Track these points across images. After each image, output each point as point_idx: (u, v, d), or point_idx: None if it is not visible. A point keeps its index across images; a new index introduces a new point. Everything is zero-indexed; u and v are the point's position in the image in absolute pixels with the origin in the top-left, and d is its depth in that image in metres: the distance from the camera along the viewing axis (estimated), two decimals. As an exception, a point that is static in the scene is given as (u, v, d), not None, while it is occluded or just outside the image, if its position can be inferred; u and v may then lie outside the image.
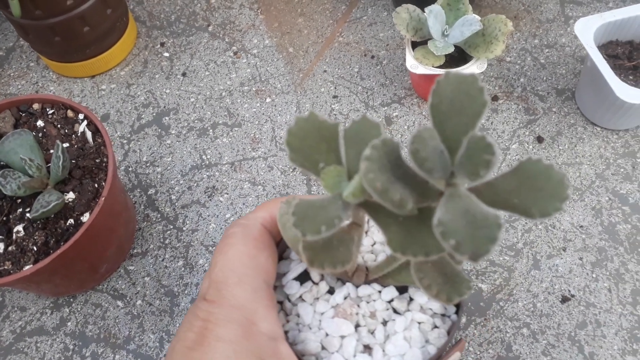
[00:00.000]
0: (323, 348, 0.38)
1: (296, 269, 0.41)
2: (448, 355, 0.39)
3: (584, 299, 0.61)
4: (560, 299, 0.61)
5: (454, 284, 0.32)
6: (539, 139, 0.71)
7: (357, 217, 0.34)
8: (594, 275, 0.62)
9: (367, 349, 0.38)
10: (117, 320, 0.63)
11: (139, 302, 0.64)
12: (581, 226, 0.65)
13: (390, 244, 0.29)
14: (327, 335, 0.38)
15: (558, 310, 0.61)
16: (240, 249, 0.37)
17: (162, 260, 0.66)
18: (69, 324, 0.63)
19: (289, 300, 0.41)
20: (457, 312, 0.40)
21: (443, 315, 0.40)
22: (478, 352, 0.59)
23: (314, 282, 0.41)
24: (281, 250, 0.42)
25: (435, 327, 0.39)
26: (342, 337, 0.38)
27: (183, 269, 0.66)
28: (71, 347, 0.62)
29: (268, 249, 0.38)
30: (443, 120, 0.28)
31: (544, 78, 0.76)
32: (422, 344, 0.38)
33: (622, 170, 0.69)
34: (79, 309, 0.64)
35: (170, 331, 0.62)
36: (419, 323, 0.39)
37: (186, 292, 0.64)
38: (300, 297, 0.40)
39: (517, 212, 0.29)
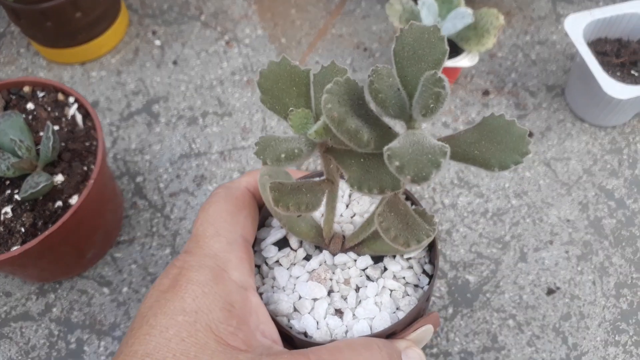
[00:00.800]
0: (295, 310, 0.39)
1: (275, 235, 0.42)
2: (419, 324, 0.39)
3: (569, 292, 0.62)
4: (545, 291, 0.62)
5: (412, 230, 0.33)
6: (529, 134, 0.72)
7: (329, 172, 0.35)
8: (579, 269, 0.63)
9: (339, 312, 0.39)
10: (102, 307, 0.63)
11: (125, 289, 0.64)
12: (568, 220, 0.66)
13: (348, 181, 0.30)
14: (300, 297, 0.39)
15: (543, 302, 0.61)
16: (221, 206, 0.39)
17: (149, 248, 0.66)
18: (54, 309, 0.63)
19: (266, 264, 0.42)
20: (429, 283, 0.40)
21: (416, 286, 0.41)
22: (464, 343, 0.59)
23: (292, 249, 0.42)
24: (263, 218, 0.43)
25: (407, 295, 0.40)
26: (315, 299, 0.39)
27: (170, 257, 0.65)
28: (56, 332, 0.61)
29: (248, 208, 0.40)
30: (405, 66, 0.30)
31: (535, 74, 0.77)
32: (393, 310, 0.39)
33: (608, 166, 0.69)
34: (64, 295, 0.63)
35: (156, 318, 0.62)
36: (391, 290, 0.40)
37: (174, 279, 0.64)
38: (277, 261, 0.41)
39: (476, 164, 0.30)
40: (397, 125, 0.34)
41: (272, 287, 0.41)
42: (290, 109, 0.31)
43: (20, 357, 0.60)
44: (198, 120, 0.75)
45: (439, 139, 0.30)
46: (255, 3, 0.86)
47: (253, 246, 0.42)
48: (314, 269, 0.40)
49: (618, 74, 0.67)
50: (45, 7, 0.70)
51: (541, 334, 0.59)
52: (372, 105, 0.30)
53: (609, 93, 0.62)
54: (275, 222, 0.43)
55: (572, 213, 0.66)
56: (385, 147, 0.27)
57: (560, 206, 0.67)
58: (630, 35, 0.71)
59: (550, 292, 0.62)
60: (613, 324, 0.60)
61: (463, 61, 0.66)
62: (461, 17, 0.64)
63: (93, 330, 0.61)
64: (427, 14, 0.64)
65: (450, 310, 0.61)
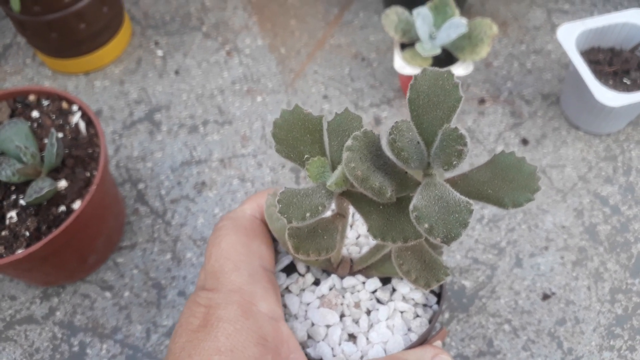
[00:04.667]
0: (309, 337, 0.39)
1: (283, 261, 0.42)
2: (430, 343, 0.40)
3: (564, 297, 0.62)
4: (541, 297, 0.63)
5: (431, 270, 0.34)
6: (524, 142, 0.73)
7: (341, 207, 0.35)
8: (574, 274, 0.64)
9: (352, 337, 0.39)
10: (105, 311, 0.64)
11: (127, 293, 0.65)
12: (563, 226, 0.67)
13: (370, 231, 0.31)
14: (313, 324, 0.39)
15: (539, 307, 0.62)
16: (233, 239, 0.38)
17: (151, 253, 0.67)
18: (57, 313, 0.64)
19: None
20: (438, 302, 0.41)
21: (425, 305, 0.41)
22: (460, 347, 0.60)
23: (300, 274, 0.42)
24: None
25: (417, 316, 0.40)
26: (328, 326, 0.39)
27: (171, 262, 0.67)
28: (60, 335, 0.62)
29: (260, 236, 0.39)
30: (420, 114, 0.30)
31: (530, 83, 0.78)
32: (405, 332, 0.39)
33: (603, 173, 0.70)
34: (67, 299, 0.64)
35: (157, 322, 0.63)
36: (402, 312, 0.40)
37: (173, 284, 0.65)
38: (287, 288, 0.41)
39: (490, 202, 0.31)
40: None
41: (284, 314, 0.40)
42: (306, 156, 0.32)
43: (23, 360, 0.61)
44: (199, 128, 0.76)
45: (452, 179, 0.31)
46: (255, 14, 0.87)
47: None
48: (323, 295, 0.40)
49: (610, 82, 0.69)
50: (51, 18, 0.72)
51: (536, 339, 0.60)
52: (389, 153, 0.30)
53: (602, 101, 0.63)
54: (280, 247, 0.43)
55: (568, 219, 0.67)
56: (411, 206, 0.27)
57: (556, 212, 0.68)
58: (622, 44, 0.72)
59: (545, 297, 0.63)
60: (608, 329, 0.61)
61: (458, 70, 0.67)
62: (455, 27, 0.65)
63: (95, 333, 0.62)
64: (422, 24, 0.66)
65: (446, 315, 0.62)
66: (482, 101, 0.76)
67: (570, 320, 0.61)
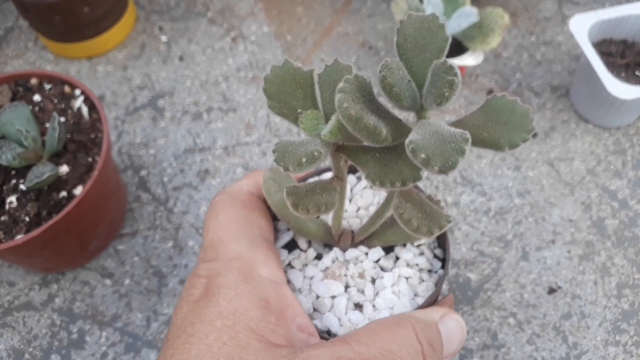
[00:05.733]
0: (315, 310, 0.39)
1: (283, 238, 0.42)
2: (435, 298, 0.39)
3: (570, 291, 0.62)
4: (547, 290, 0.62)
5: (432, 218, 0.33)
6: (533, 134, 0.72)
7: (338, 169, 0.35)
8: (580, 268, 0.63)
9: (358, 306, 0.39)
10: (104, 298, 0.63)
11: (127, 281, 0.64)
12: (570, 220, 0.66)
13: (368, 177, 0.30)
14: (318, 297, 0.39)
15: (544, 301, 0.61)
16: (230, 211, 0.38)
17: (152, 241, 0.66)
18: (57, 300, 0.63)
19: None
20: (443, 267, 0.41)
21: (429, 270, 0.41)
22: (464, 340, 0.59)
23: (301, 250, 0.41)
24: None
25: (423, 281, 0.40)
26: (333, 297, 0.39)
27: (172, 250, 0.66)
28: (58, 322, 0.62)
29: (258, 209, 0.39)
30: (409, 57, 0.30)
31: (540, 74, 0.77)
32: (412, 297, 0.39)
33: (612, 167, 0.69)
34: (67, 286, 0.64)
35: (157, 311, 0.62)
36: (407, 278, 0.40)
37: (175, 273, 0.64)
38: (289, 264, 0.41)
39: (487, 146, 0.30)
40: (403, 116, 0.35)
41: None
42: (299, 110, 0.32)
43: (22, 347, 0.60)
44: (203, 115, 0.75)
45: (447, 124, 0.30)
46: (261, 0, 0.86)
47: None
48: (327, 267, 0.40)
49: (623, 74, 0.67)
50: (54, 1, 0.71)
51: (541, 333, 0.59)
52: (382, 99, 0.31)
53: (614, 93, 0.62)
54: (280, 224, 0.43)
55: (575, 213, 0.66)
56: (407, 140, 0.27)
57: (563, 206, 0.67)
58: (635, 36, 0.71)
59: (551, 291, 0.62)
60: (614, 324, 0.60)
61: (468, 60, 0.66)
62: (466, 15, 0.64)
63: (95, 321, 0.62)
64: (432, 12, 0.64)
65: (454, 293, 0.61)
66: (490, 92, 0.75)
67: (576, 314, 0.60)
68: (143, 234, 0.67)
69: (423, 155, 0.26)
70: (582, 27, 0.67)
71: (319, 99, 0.33)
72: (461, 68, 0.71)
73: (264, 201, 0.41)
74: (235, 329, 0.32)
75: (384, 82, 0.28)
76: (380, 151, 0.31)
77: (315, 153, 0.30)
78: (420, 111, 0.30)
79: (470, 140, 0.27)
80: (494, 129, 0.30)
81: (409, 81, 0.29)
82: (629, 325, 0.60)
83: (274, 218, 0.43)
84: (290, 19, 0.84)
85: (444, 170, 0.26)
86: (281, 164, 0.30)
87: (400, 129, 0.30)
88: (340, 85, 0.28)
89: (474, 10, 0.64)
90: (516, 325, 0.60)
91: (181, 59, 0.81)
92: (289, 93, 0.33)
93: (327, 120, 0.33)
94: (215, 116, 0.75)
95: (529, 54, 0.79)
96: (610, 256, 0.63)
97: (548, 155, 0.70)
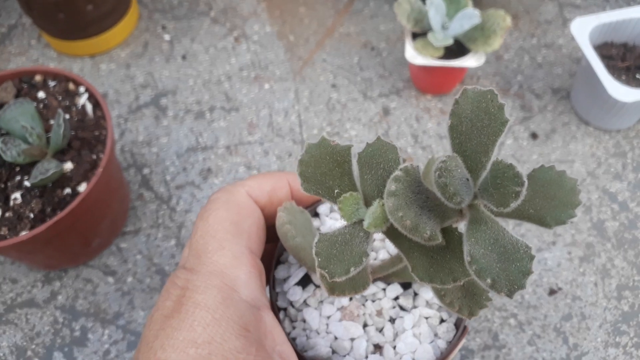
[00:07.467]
0: (334, 352, 0.37)
1: (297, 274, 0.40)
2: (456, 345, 0.38)
3: (570, 292, 0.62)
4: (547, 292, 0.62)
5: (473, 297, 0.32)
6: (534, 136, 0.72)
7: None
8: (581, 270, 0.63)
9: (378, 348, 0.38)
10: (107, 296, 0.63)
11: (130, 279, 0.64)
12: (571, 222, 0.66)
13: (415, 272, 0.28)
14: (336, 338, 0.38)
15: (545, 302, 0.61)
16: (222, 215, 0.35)
17: (155, 239, 0.67)
18: (59, 297, 0.63)
19: (293, 307, 0.40)
20: None
21: None
22: (465, 341, 0.60)
23: (315, 285, 0.40)
24: (278, 254, 0.42)
25: (443, 320, 0.39)
26: (352, 339, 0.38)
27: (175, 248, 0.66)
28: (61, 320, 0.62)
29: (252, 217, 0.37)
30: (463, 142, 0.28)
31: (541, 77, 0.77)
32: (432, 339, 0.38)
33: (612, 169, 0.70)
34: (70, 283, 0.64)
35: (160, 308, 0.62)
36: (427, 318, 0.38)
37: (178, 270, 0.64)
38: (305, 302, 0.39)
39: (532, 222, 0.29)
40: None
41: (304, 330, 0.39)
42: (337, 191, 0.30)
43: (25, 343, 0.60)
44: (205, 114, 0.75)
45: None
46: (264, 0, 0.86)
47: (274, 287, 0.40)
48: (344, 306, 0.39)
49: (623, 77, 0.68)
50: (58, -1, 0.71)
51: (542, 334, 0.60)
52: (439, 195, 0.27)
53: (614, 96, 0.62)
54: (292, 258, 0.41)
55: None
56: (468, 257, 0.25)
57: (564, 208, 0.67)
58: (636, 39, 0.71)
59: (552, 292, 0.62)
60: (614, 326, 0.60)
61: (470, 61, 0.67)
62: (469, 17, 0.64)
63: (97, 318, 0.62)
64: (435, 14, 0.65)
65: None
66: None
67: (576, 316, 0.61)
68: (146, 232, 0.67)
69: (489, 281, 0.25)
70: (583, 30, 0.67)
71: (356, 177, 0.31)
72: (463, 69, 0.71)
73: (262, 208, 0.39)
74: None
75: (445, 189, 0.26)
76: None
77: (363, 258, 0.28)
78: (472, 200, 0.28)
79: (533, 258, 0.25)
80: (540, 205, 0.28)
81: (467, 180, 0.27)
82: (629, 326, 0.60)
83: (282, 251, 0.41)
84: (293, 19, 0.84)
85: (510, 294, 0.25)
86: (326, 271, 0.28)
87: (446, 215, 0.28)
88: (392, 188, 0.27)
89: (476, 12, 0.64)
90: (517, 326, 0.60)
91: (184, 57, 0.81)
92: (326, 173, 0.31)
93: (366, 202, 0.31)
94: (218, 115, 0.75)
95: (530, 57, 0.79)
96: (610, 258, 0.64)
97: (549, 157, 0.71)
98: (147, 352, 0.30)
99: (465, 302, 0.31)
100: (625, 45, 0.71)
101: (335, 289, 0.31)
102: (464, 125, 0.28)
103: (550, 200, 0.28)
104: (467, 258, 0.25)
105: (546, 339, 0.59)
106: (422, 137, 0.72)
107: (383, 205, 0.29)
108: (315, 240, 0.29)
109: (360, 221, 0.30)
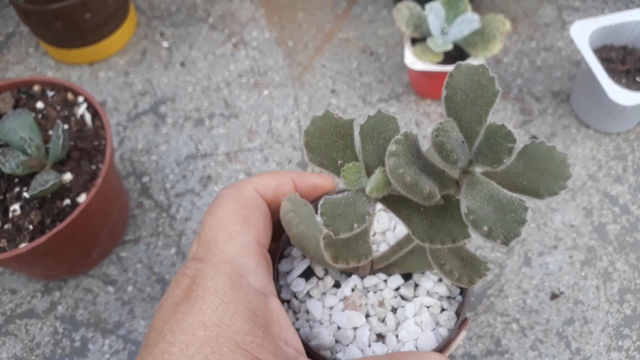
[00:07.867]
0: (337, 341, 0.38)
1: (300, 266, 0.41)
2: (456, 335, 0.39)
3: (572, 296, 0.62)
4: (549, 296, 0.62)
5: (472, 267, 0.33)
6: (534, 139, 0.72)
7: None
8: (583, 274, 0.63)
9: (380, 337, 0.38)
10: (107, 306, 0.63)
11: (130, 288, 0.64)
12: (572, 225, 0.66)
13: (415, 234, 0.30)
14: (339, 328, 0.38)
15: (547, 307, 0.61)
16: (230, 208, 0.36)
17: (155, 247, 0.66)
18: (59, 307, 0.63)
19: (296, 298, 0.40)
20: (461, 294, 0.40)
21: (449, 297, 0.40)
22: (467, 346, 0.59)
23: (318, 278, 0.41)
24: (282, 248, 0.42)
25: (443, 309, 0.40)
26: (355, 328, 0.38)
27: (175, 256, 0.66)
28: (61, 330, 0.62)
29: (259, 210, 0.38)
30: (458, 111, 0.29)
31: (540, 80, 0.77)
32: (433, 327, 0.39)
33: (613, 172, 0.70)
34: (69, 294, 0.64)
35: (161, 317, 0.62)
36: (428, 307, 0.39)
37: (179, 279, 0.64)
38: (308, 293, 0.40)
39: (526, 194, 0.30)
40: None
41: (307, 320, 0.40)
42: (340, 162, 0.31)
43: (25, 355, 0.60)
44: (205, 121, 0.75)
45: (487, 173, 0.30)
46: (262, 6, 0.86)
47: (278, 279, 0.40)
48: (346, 296, 0.39)
49: (623, 80, 0.68)
50: (56, 7, 0.71)
51: (544, 338, 0.60)
52: (436, 155, 0.30)
53: (614, 99, 0.62)
54: (295, 252, 0.42)
55: (577, 218, 0.67)
56: (465, 210, 0.27)
57: (565, 211, 0.67)
58: (635, 42, 0.71)
59: (554, 296, 0.62)
60: (616, 329, 0.60)
61: (469, 66, 0.67)
62: (468, 22, 0.64)
63: (98, 328, 0.62)
64: (435, 19, 0.65)
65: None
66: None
67: (578, 320, 0.61)
68: (145, 240, 0.67)
69: (486, 228, 0.26)
70: (583, 33, 0.67)
71: (358, 149, 0.33)
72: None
73: (269, 203, 0.40)
74: (219, 342, 0.30)
75: (442, 147, 0.27)
76: (425, 205, 0.31)
77: (366, 216, 0.30)
78: (467, 166, 0.29)
79: (528, 209, 0.27)
80: (533, 177, 0.30)
81: (463, 142, 0.29)
82: (632, 330, 0.60)
83: (286, 245, 0.42)
84: (292, 24, 0.84)
85: (507, 242, 0.26)
86: (331, 228, 0.29)
87: (444, 182, 0.30)
88: (393, 148, 0.28)
89: (475, 17, 0.64)
90: (519, 331, 0.60)
91: (182, 64, 0.81)
92: (329, 144, 0.33)
93: (367, 171, 0.32)
94: (217, 122, 0.75)
95: (529, 60, 0.79)
96: (612, 261, 0.64)
97: (549, 160, 0.70)
98: (157, 337, 0.30)
99: (464, 271, 0.33)
100: (625, 48, 0.71)
101: (338, 257, 0.32)
102: (459, 96, 0.29)
103: (542, 172, 0.30)
104: (464, 211, 0.27)
105: (548, 343, 0.59)
106: (423, 142, 0.72)
107: (384, 171, 0.30)
108: (321, 202, 0.30)
109: (362, 189, 0.31)
